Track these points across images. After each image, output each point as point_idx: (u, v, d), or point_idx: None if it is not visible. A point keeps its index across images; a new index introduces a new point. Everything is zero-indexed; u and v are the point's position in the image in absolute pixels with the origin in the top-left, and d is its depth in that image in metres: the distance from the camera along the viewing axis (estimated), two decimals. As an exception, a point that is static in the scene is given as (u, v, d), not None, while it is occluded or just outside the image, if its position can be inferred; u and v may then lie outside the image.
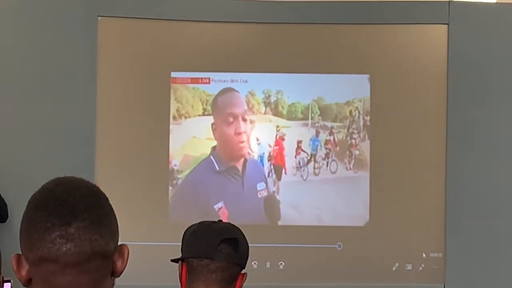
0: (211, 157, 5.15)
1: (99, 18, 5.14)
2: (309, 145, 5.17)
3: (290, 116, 5.20)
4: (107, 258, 1.29)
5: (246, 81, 5.25)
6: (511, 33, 5.27)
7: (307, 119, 5.18)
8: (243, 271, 2.14)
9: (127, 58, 5.20)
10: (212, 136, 5.17)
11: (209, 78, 5.24)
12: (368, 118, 5.21)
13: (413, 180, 5.24)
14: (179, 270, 2.13)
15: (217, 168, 5.12)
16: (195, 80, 5.24)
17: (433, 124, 5.26)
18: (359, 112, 5.22)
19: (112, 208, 1.33)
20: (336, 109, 5.20)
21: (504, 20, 5.28)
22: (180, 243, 2.18)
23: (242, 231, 2.17)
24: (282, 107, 5.22)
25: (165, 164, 5.18)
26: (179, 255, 2.15)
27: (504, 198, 5.20)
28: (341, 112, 5.20)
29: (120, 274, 1.33)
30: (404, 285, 5.20)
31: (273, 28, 5.27)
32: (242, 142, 5.14)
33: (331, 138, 5.19)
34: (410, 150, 5.26)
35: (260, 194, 5.16)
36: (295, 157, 5.17)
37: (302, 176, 5.16)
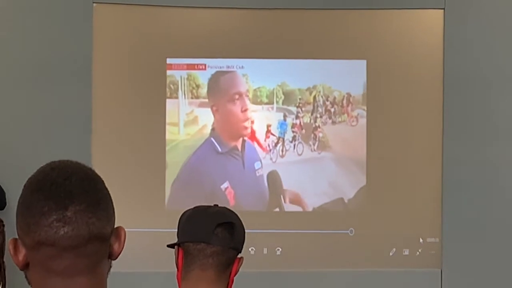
0: (212, 138, 5.19)
1: (94, 4, 5.13)
2: (277, 128, 5.20)
3: (256, 101, 5.24)
4: (104, 241, 1.29)
5: (242, 67, 5.25)
6: (506, 18, 5.26)
7: (272, 103, 5.23)
8: (239, 256, 2.14)
9: (122, 44, 5.19)
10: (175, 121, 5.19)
11: (205, 65, 5.24)
12: (328, 103, 5.22)
13: (409, 166, 5.25)
14: (175, 255, 2.13)
15: (219, 149, 5.18)
16: (190, 67, 5.23)
17: (429, 109, 5.27)
18: (322, 98, 5.23)
19: (108, 192, 1.33)
20: (299, 94, 5.25)
21: (500, 5, 5.27)
22: (176, 229, 2.18)
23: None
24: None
25: (162, 150, 5.18)
26: (175, 241, 2.16)
27: (501, 184, 5.21)
28: (303, 98, 5.25)
29: (117, 256, 1.33)
30: (401, 270, 5.21)
31: (269, 14, 5.27)
32: (247, 119, 5.19)
33: (298, 121, 5.24)
34: (407, 136, 5.26)
35: (258, 172, 5.22)
36: (265, 140, 5.23)
37: (271, 158, 5.22)
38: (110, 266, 1.34)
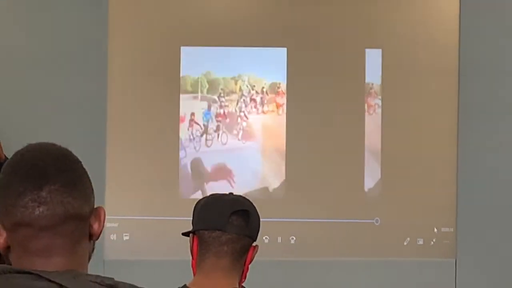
0: None
1: (109, -8, 5.13)
2: (202, 117, 5.24)
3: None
4: (82, 221, 1.30)
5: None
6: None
7: (197, 92, 5.25)
8: (254, 244, 2.14)
9: (137, 32, 5.19)
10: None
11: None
12: (254, 92, 5.24)
13: (424, 154, 5.24)
14: (190, 242, 2.14)
15: None
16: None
17: (444, 97, 5.25)
18: (247, 86, 5.24)
19: (85, 172, 1.34)
20: (224, 84, 5.25)
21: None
22: (191, 218, 2.19)
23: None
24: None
25: (175, 138, 5.19)
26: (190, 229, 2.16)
27: (516, 173, 5.19)
28: (228, 86, 5.23)
29: (98, 236, 1.34)
30: (415, 260, 5.20)
31: (285, 1, 5.25)
32: None
33: (222, 111, 5.23)
34: (422, 124, 5.24)
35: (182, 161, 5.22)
36: (188, 129, 5.22)
37: (195, 147, 5.21)
38: (94, 248, 1.35)
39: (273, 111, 5.25)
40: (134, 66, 5.20)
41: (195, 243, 2.11)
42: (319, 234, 5.21)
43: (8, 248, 1.30)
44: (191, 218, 2.18)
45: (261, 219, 2.19)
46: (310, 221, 5.23)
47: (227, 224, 2.07)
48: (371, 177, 5.26)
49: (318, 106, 5.20)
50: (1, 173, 1.31)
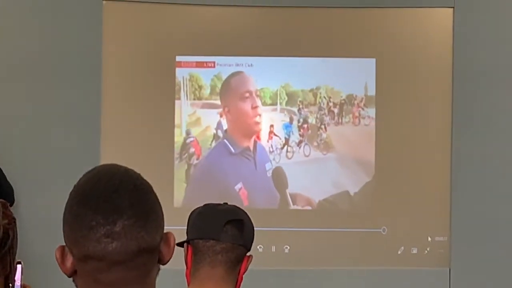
0: (225, 140, 5.21)
1: (103, 2, 5.14)
2: (282, 130, 5.23)
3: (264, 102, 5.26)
4: (153, 252, 1.27)
5: (251, 65, 5.25)
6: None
7: (276, 104, 5.25)
8: (248, 254, 2.14)
9: (132, 42, 5.20)
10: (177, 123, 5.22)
11: (214, 62, 5.24)
12: (331, 104, 5.23)
13: (418, 164, 5.25)
14: (184, 252, 2.14)
15: (233, 150, 5.19)
16: (200, 64, 5.24)
17: (438, 108, 5.26)
18: (324, 98, 5.23)
19: (157, 199, 1.30)
20: (302, 95, 5.24)
21: (510, 4, 5.26)
22: (186, 227, 2.19)
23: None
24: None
25: (170, 147, 5.19)
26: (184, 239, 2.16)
27: (510, 182, 5.20)
28: (306, 98, 5.23)
29: (167, 262, 1.31)
30: (410, 269, 5.21)
31: (279, 11, 5.27)
32: (259, 115, 5.21)
33: (302, 123, 5.25)
34: (416, 134, 5.26)
35: (268, 173, 5.25)
36: (267, 141, 5.21)
37: (274, 159, 5.22)
38: (159, 269, 1.32)
39: (349, 122, 5.27)
40: (129, 76, 5.20)
41: (189, 253, 2.11)
42: (313, 244, 5.21)
43: (75, 272, 1.26)
44: (186, 227, 2.18)
45: (255, 229, 2.18)
46: (304, 231, 5.23)
47: (221, 233, 2.07)
48: (364, 186, 5.26)
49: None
50: (70, 199, 1.26)
